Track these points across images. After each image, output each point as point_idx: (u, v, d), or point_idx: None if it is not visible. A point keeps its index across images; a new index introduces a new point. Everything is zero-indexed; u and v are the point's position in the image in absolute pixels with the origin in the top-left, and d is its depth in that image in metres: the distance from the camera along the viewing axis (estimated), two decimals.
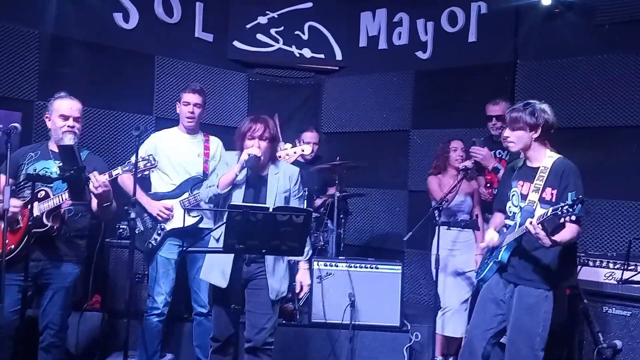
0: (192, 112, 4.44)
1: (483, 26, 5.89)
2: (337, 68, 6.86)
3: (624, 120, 5.10)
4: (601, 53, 5.22)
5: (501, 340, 3.68)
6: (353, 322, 4.76)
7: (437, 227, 4.44)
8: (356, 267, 4.92)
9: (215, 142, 4.61)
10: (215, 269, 3.67)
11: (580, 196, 3.05)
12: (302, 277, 3.89)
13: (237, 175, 3.59)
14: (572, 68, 5.36)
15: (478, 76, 5.81)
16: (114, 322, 4.88)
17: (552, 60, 5.46)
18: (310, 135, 5.70)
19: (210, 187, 3.66)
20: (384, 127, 6.52)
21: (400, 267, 4.95)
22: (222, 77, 6.58)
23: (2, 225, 3.41)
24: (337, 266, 4.93)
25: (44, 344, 3.81)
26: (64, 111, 3.77)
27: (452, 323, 4.73)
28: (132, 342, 4.54)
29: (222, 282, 3.60)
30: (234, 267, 3.52)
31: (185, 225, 4.14)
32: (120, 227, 4.96)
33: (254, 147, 3.57)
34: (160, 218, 4.29)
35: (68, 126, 3.75)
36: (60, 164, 3.39)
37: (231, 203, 3.34)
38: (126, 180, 4.25)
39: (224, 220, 3.10)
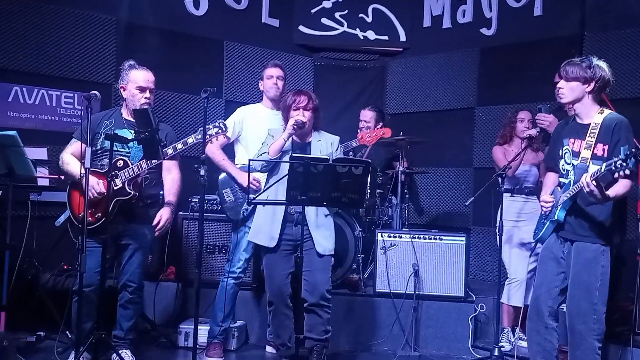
0: (277, 84, 4.59)
1: None
2: (401, 49, 6.90)
3: None
4: None
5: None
6: (417, 292, 4.81)
7: (501, 195, 4.43)
8: (420, 238, 4.96)
9: None
10: (263, 231, 3.85)
11: (634, 150, 3.01)
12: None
13: (285, 142, 3.80)
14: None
15: (544, 50, 5.72)
16: (188, 291, 5.10)
17: (620, 31, 5.34)
18: (365, 114, 5.78)
19: (261, 154, 3.85)
20: (449, 105, 6.52)
21: (464, 238, 4.95)
22: (288, 61, 6.72)
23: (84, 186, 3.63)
24: (400, 237, 4.98)
25: (123, 301, 4.06)
26: (141, 83, 3.99)
27: (518, 293, 4.69)
28: (203, 309, 4.80)
29: (271, 242, 3.80)
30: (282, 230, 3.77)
31: None
32: (193, 200, 5.18)
33: (299, 115, 3.80)
34: (252, 189, 4.37)
35: (145, 98, 3.97)
36: (136, 129, 3.62)
37: (293, 154, 3.47)
38: (214, 150, 4.46)
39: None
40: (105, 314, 3.95)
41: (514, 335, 4.72)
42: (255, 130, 4.46)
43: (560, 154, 3.59)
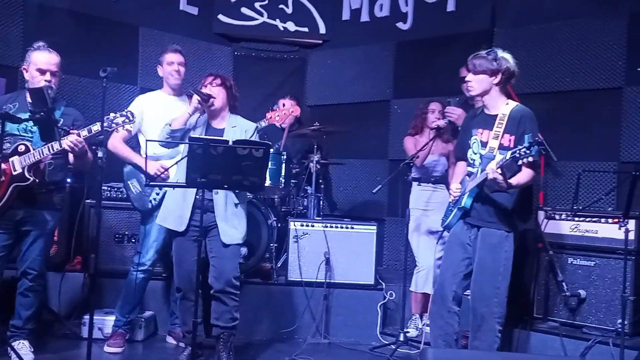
0: (178, 71, 4.46)
1: None
2: (321, 41, 6.94)
3: (597, 82, 5.17)
4: (575, 17, 5.30)
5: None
6: (328, 280, 4.84)
7: (410, 184, 4.52)
8: (332, 227, 5.01)
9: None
10: (172, 215, 3.80)
11: (537, 138, 3.13)
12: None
13: (190, 115, 3.74)
14: (547, 33, 5.42)
15: (456, 45, 5.86)
16: (95, 282, 4.95)
17: (528, 27, 5.54)
18: (284, 102, 5.77)
19: (165, 126, 3.79)
20: (366, 98, 6.60)
21: (374, 227, 5.04)
22: (207, 50, 6.66)
23: None
24: (313, 226, 5.01)
25: (22, 289, 3.90)
26: (41, 65, 3.81)
27: (427, 281, 4.79)
28: (110, 300, 4.69)
29: (180, 226, 3.74)
30: (191, 215, 3.72)
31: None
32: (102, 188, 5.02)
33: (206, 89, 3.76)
34: (158, 177, 4.24)
35: (45, 80, 3.79)
36: (31, 109, 3.48)
37: (191, 136, 3.42)
38: (117, 144, 4.30)
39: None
40: (4, 305, 3.81)
41: (421, 322, 4.82)
42: (156, 119, 4.31)
43: (469, 143, 3.68)
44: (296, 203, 5.54)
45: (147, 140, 3.31)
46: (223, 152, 3.03)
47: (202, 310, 3.99)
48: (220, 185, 3.21)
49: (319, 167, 5.42)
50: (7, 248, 3.81)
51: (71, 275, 4.93)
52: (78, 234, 5.00)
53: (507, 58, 3.56)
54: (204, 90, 3.79)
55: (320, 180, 5.57)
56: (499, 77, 3.52)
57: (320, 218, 5.17)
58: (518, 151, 3.13)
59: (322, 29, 6.85)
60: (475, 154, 3.62)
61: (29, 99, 3.85)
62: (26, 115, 3.61)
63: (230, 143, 3.06)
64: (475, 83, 3.56)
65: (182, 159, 3.19)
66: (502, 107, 3.55)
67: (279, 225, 5.28)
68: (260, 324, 4.85)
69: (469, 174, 3.68)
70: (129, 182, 4.40)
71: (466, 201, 3.60)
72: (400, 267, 6.03)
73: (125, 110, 3.76)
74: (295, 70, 7.08)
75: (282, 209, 5.50)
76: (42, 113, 3.36)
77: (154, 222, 4.22)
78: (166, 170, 4.18)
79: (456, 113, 4.51)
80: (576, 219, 4.23)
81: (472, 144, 3.66)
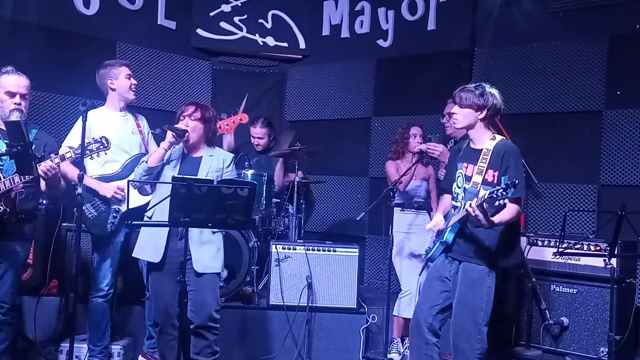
0: (135, 84, 4.42)
1: (441, 14, 5.98)
2: (301, 57, 6.90)
3: (576, 105, 5.22)
4: (556, 40, 5.33)
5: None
6: (310, 304, 4.81)
7: (392, 210, 4.51)
8: (314, 250, 4.97)
9: (144, 120, 4.56)
10: (148, 245, 3.73)
11: (515, 180, 3.10)
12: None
13: (165, 151, 3.66)
14: (527, 55, 5.46)
15: (437, 63, 5.89)
16: (71, 306, 4.86)
17: (508, 47, 5.57)
18: (254, 131, 5.76)
19: (141, 163, 3.71)
20: (346, 115, 6.58)
21: (357, 250, 5.01)
22: (185, 65, 6.57)
23: None
24: (295, 249, 4.97)
25: None
26: (10, 88, 3.72)
27: (409, 305, 4.78)
28: (83, 325, 4.59)
29: (156, 257, 3.67)
30: (167, 244, 3.65)
31: (140, 204, 4.10)
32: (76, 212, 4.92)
33: (181, 124, 3.69)
34: (115, 199, 4.17)
35: (15, 103, 3.69)
36: (7, 141, 3.38)
37: (175, 176, 3.35)
38: (66, 167, 3.98)
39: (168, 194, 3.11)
40: None
41: (403, 346, 4.81)
42: (107, 136, 4.00)
43: (454, 177, 3.67)
44: (277, 223, 5.49)
45: (129, 181, 3.23)
46: (207, 192, 2.97)
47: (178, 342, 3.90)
48: (204, 224, 3.14)
49: (300, 187, 5.38)
50: None
51: (47, 300, 4.84)
52: (54, 256, 4.90)
53: (494, 94, 3.54)
54: (180, 124, 3.71)
55: (302, 200, 5.53)
56: (485, 112, 3.50)
57: (302, 240, 5.11)
58: (495, 192, 3.11)
59: (302, 44, 6.80)
60: (459, 187, 3.61)
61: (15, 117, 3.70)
62: (1, 148, 3.52)
63: (215, 182, 3.00)
64: (460, 116, 3.55)
65: (164, 199, 3.11)
66: (487, 141, 3.54)
67: (260, 245, 5.22)
68: (241, 349, 4.80)
69: (454, 207, 3.68)
70: (83, 207, 4.25)
71: (447, 236, 3.59)
72: (382, 286, 6.06)
73: (100, 136, 3.69)
74: (275, 84, 7.02)
75: (262, 229, 5.44)
76: (19, 147, 3.27)
77: (110, 246, 4.15)
78: (122, 190, 4.09)
79: (438, 149, 4.49)
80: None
81: (456, 178, 3.65)
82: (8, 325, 3.82)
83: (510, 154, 3.44)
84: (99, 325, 4.28)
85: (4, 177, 3.56)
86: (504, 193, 3.06)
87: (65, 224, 4.92)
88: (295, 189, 5.33)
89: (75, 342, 4.33)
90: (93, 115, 4.27)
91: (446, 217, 3.73)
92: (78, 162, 3.79)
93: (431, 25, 6.02)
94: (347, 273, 4.96)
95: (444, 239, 3.59)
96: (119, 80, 4.37)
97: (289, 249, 4.97)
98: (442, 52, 5.91)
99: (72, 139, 4.11)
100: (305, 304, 4.80)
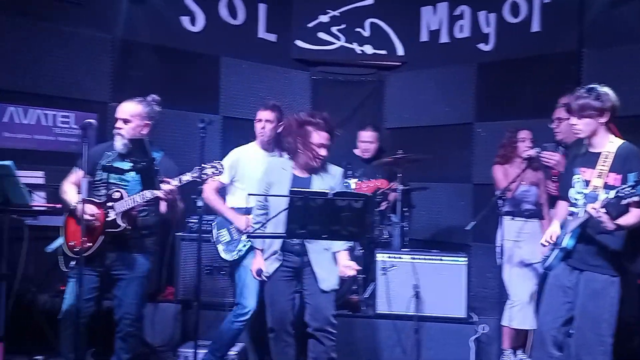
0: (263, 128, 4.48)
1: (546, 15, 5.80)
2: (399, 64, 6.86)
3: None
4: None
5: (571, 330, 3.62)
6: (418, 314, 4.77)
7: (501, 218, 4.41)
8: (420, 258, 4.93)
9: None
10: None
11: None
12: (343, 260, 3.82)
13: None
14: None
15: (543, 66, 5.72)
16: (186, 313, 5.05)
17: (619, 47, 5.32)
18: (363, 134, 5.77)
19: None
20: (447, 121, 6.49)
21: (465, 259, 4.92)
22: (285, 76, 6.71)
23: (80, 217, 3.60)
24: (400, 258, 4.95)
25: (121, 334, 3.96)
26: (116, 114, 3.96)
27: (520, 315, 4.66)
28: (201, 332, 4.75)
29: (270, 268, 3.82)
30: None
31: None
32: (190, 220, 5.12)
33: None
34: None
35: (116, 127, 3.91)
36: (133, 158, 3.59)
37: (292, 189, 3.42)
38: (209, 195, 4.32)
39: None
40: (104, 339, 3.92)
41: (515, 357, 4.69)
42: (250, 172, 4.38)
43: (572, 182, 3.55)
44: (380, 231, 5.48)
45: (249, 194, 3.35)
46: (322, 204, 3.02)
47: (294, 349, 3.99)
48: (319, 236, 3.20)
49: (403, 195, 5.36)
50: (98, 290, 3.88)
51: (163, 306, 5.05)
52: (169, 264, 5.13)
53: (608, 94, 3.42)
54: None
55: (405, 208, 5.51)
56: (606, 116, 3.37)
57: (407, 249, 5.09)
58: (622, 190, 3.01)
59: (400, 51, 6.78)
60: (579, 193, 3.48)
61: (119, 146, 3.90)
62: (126, 165, 3.72)
63: (330, 195, 3.05)
64: (582, 126, 3.42)
65: (280, 211, 3.19)
66: (607, 145, 3.41)
67: (364, 253, 5.23)
68: (349, 358, 4.81)
69: (571, 214, 3.55)
70: (219, 231, 4.46)
71: (568, 242, 3.46)
72: (488, 294, 5.91)
73: (216, 161, 3.82)
74: (373, 93, 7.03)
75: (366, 237, 5.44)
76: (143, 163, 3.45)
77: (248, 274, 4.20)
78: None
79: (554, 159, 4.32)
80: None
81: (574, 183, 3.52)
82: (132, 336, 4.01)
83: (634, 156, 3.32)
84: (228, 343, 4.43)
85: (128, 196, 3.76)
86: (632, 190, 2.95)
87: (178, 233, 5.13)
88: (399, 197, 5.32)
89: (191, 347, 4.55)
90: (242, 151, 4.56)
91: (562, 226, 3.61)
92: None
93: (535, 27, 5.84)
94: (455, 282, 4.88)
95: (564, 246, 3.47)
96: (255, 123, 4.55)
97: (395, 257, 4.96)
98: (547, 55, 5.73)
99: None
100: (413, 313, 4.77)
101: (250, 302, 4.27)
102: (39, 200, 4.50)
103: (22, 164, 4.19)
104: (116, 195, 3.76)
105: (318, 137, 3.76)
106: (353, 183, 5.05)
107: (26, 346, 4.55)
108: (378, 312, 4.91)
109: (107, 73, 5.66)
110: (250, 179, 4.35)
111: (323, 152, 3.77)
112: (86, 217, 3.58)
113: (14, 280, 4.49)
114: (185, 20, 6.08)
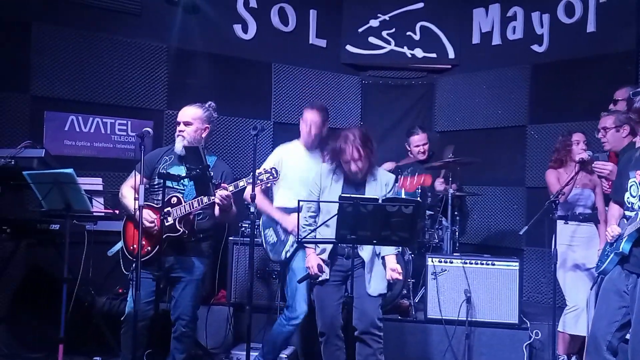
0: (309, 129, 4.50)
1: (602, 15, 5.68)
2: (450, 66, 6.84)
3: None
4: None
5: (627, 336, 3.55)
6: (469, 319, 4.74)
7: (554, 222, 4.34)
8: (471, 263, 4.90)
9: None
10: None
11: None
12: (390, 264, 3.83)
13: None
14: None
15: (598, 67, 5.61)
16: (238, 315, 5.15)
17: None
18: (417, 139, 5.76)
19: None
20: (499, 123, 6.42)
21: (517, 264, 4.86)
22: (335, 81, 6.77)
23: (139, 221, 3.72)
24: (451, 262, 4.93)
25: (177, 334, 4.09)
26: (178, 117, 4.11)
27: (575, 321, 4.57)
28: (255, 334, 4.84)
29: (325, 275, 3.84)
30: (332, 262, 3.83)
31: None
32: (243, 225, 5.23)
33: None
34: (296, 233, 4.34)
35: (179, 130, 4.05)
36: (187, 165, 3.70)
37: (342, 194, 3.47)
38: (257, 195, 4.27)
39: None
40: (159, 340, 4.04)
41: None
42: (295, 170, 4.44)
43: (627, 186, 3.49)
44: (431, 235, 5.47)
45: (299, 201, 3.41)
46: (372, 210, 3.05)
47: (344, 353, 4.02)
48: (369, 241, 3.23)
49: (453, 199, 5.33)
50: (155, 294, 3.96)
51: (216, 309, 5.16)
52: (221, 268, 5.24)
53: None
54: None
55: (456, 212, 5.48)
56: None
57: (458, 254, 5.06)
58: None
59: (451, 54, 6.74)
60: (634, 197, 3.42)
61: (179, 148, 4.02)
62: (182, 171, 3.85)
63: (380, 201, 3.08)
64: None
65: (331, 217, 3.24)
66: None
67: (414, 258, 5.23)
68: None
69: (627, 218, 3.48)
70: (265, 231, 4.54)
71: (624, 246, 3.41)
72: (542, 300, 5.84)
73: (271, 167, 3.89)
74: (423, 96, 7.01)
75: (417, 241, 5.44)
76: (198, 170, 3.55)
77: (293, 274, 4.29)
78: None
79: (607, 168, 4.20)
80: None
81: (629, 187, 3.46)
82: (187, 337, 4.13)
83: None
84: (280, 346, 4.50)
85: (185, 201, 3.88)
86: None
87: (231, 238, 5.24)
88: (449, 201, 5.30)
89: (243, 349, 4.64)
90: (286, 150, 4.60)
91: None
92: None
93: (591, 27, 5.72)
94: (507, 287, 4.83)
95: (620, 250, 3.41)
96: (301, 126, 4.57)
97: (446, 262, 4.94)
98: (603, 55, 5.60)
99: (267, 164, 4.37)
100: (464, 318, 4.74)
101: (301, 305, 4.32)
102: (97, 205, 4.66)
103: (81, 170, 4.38)
104: (173, 200, 3.88)
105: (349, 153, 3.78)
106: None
107: (85, 347, 4.73)
108: (429, 316, 4.90)
109: (163, 81, 5.83)
110: (293, 178, 4.42)
111: (354, 167, 3.78)
112: (145, 222, 3.71)
113: (75, 284, 4.66)
114: (237, 28, 6.20)
